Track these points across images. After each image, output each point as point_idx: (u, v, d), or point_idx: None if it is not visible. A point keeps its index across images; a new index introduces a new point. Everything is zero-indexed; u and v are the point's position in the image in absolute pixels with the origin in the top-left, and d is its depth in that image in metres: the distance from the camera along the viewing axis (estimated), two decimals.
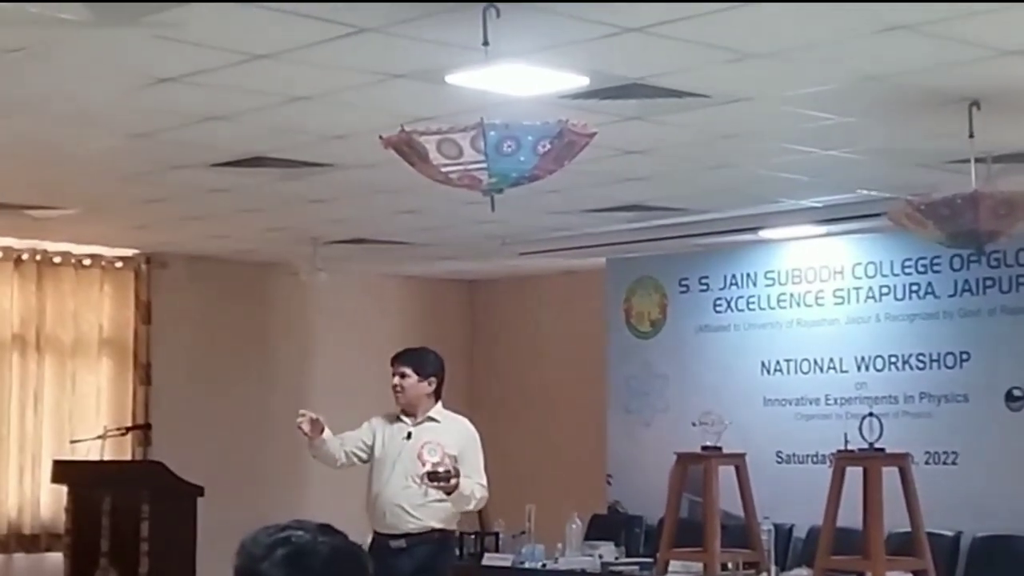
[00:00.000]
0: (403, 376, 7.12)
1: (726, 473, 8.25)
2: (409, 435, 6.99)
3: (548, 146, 4.43)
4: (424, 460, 6.77)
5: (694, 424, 8.54)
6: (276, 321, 11.46)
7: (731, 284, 10.02)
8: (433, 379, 7.14)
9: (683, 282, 10.30)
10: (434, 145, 4.50)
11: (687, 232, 9.32)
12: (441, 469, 6.65)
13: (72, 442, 9.86)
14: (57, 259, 10.29)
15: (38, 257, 10.21)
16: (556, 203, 8.32)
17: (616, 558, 8.84)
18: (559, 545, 8.88)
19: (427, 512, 6.86)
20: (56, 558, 9.56)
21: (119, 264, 10.55)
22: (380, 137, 4.77)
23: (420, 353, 7.30)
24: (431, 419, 7.05)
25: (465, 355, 12.41)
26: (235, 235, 9.84)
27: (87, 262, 10.41)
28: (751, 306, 9.89)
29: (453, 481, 6.64)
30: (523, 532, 9.04)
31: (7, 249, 10.07)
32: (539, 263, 11.01)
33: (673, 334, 10.33)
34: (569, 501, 9.59)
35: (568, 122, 4.53)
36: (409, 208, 8.62)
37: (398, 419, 7.11)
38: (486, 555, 9.02)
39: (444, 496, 6.75)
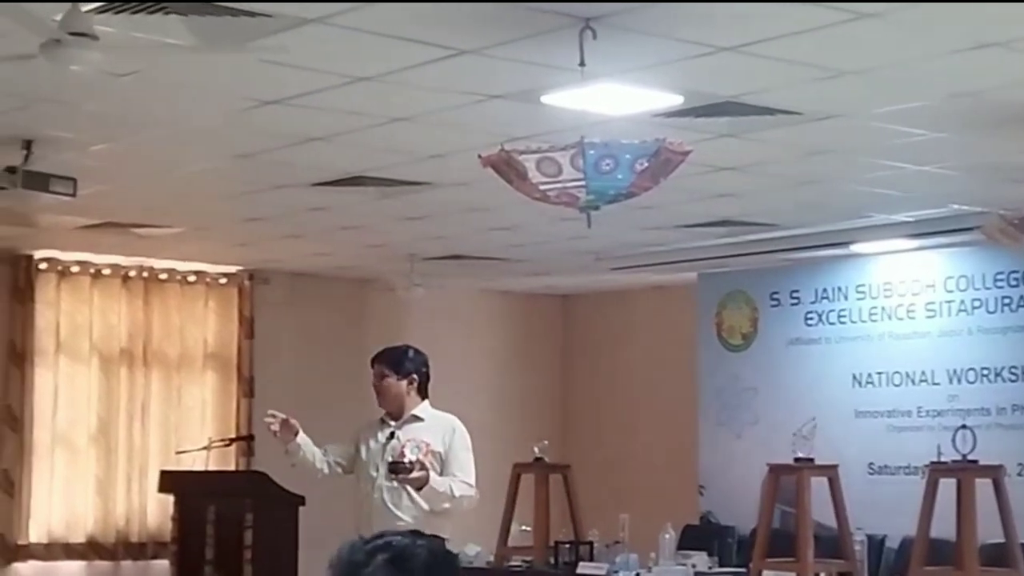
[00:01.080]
0: (381, 377, 6.90)
1: (818, 484, 8.30)
2: (392, 435, 6.74)
3: (645, 164, 4.53)
4: (406, 459, 6.52)
5: (795, 435, 8.56)
6: (373, 335, 11.61)
7: (822, 298, 10.07)
8: (413, 376, 6.85)
9: (774, 296, 10.37)
10: (533, 164, 4.62)
11: (778, 247, 9.39)
12: (405, 460, 6.41)
13: (178, 453, 10.02)
14: (163, 276, 10.53)
15: (145, 274, 10.45)
16: (649, 219, 8.41)
17: (709, 567, 8.88)
18: (652, 554, 8.92)
19: (416, 522, 6.40)
20: (163, 565, 9.73)
21: (223, 280, 10.79)
22: (479, 156, 4.89)
23: (396, 352, 7.01)
24: (415, 417, 6.79)
25: (558, 369, 12.55)
26: (335, 252, 10.03)
27: (192, 279, 10.66)
28: (842, 319, 9.94)
29: (417, 474, 6.39)
30: (617, 541, 9.09)
31: (115, 267, 10.32)
32: (631, 278, 11.10)
33: (764, 347, 10.40)
34: (662, 511, 9.65)
35: (665, 140, 4.63)
36: (504, 225, 8.75)
37: (382, 422, 6.89)
38: (581, 564, 9.07)
39: (458, 510, 6.57)
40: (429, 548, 2.57)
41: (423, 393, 6.90)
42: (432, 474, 6.52)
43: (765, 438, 9.88)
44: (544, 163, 4.55)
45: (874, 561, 8.66)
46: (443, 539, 2.71)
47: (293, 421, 6.92)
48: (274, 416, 6.96)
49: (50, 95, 5.69)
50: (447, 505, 6.58)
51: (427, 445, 6.63)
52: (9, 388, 9.97)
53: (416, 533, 2.61)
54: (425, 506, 6.57)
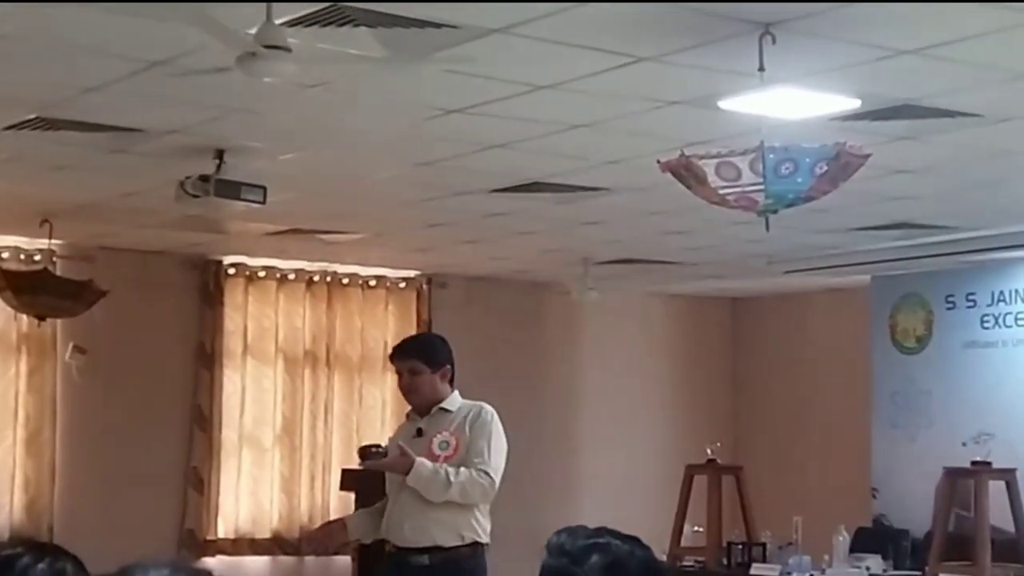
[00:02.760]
0: (413, 372, 6.04)
1: (995, 488, 8.24)
2: (420, 431, 6.00)
3: (825, 167, 4.56)
4: (436, 456, 5.85)
5: (964, 444, 8.49)
6: (549, 338, 11.80)
7: (999, 300, 9.96)
8: (447, 367, 6.12)
9: (949, 299, 10.28)
10: (713, 168, 4.67)
11: (954, 249, 9.30)
12: (374, 447, 5.85)
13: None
14: (345, 280, 10.80)
15: (328, 279, 10.73)
16: (823, 222, 8.40)
17: (884, 570, 8.84)
18: (826, 557, 8.92)
19: (453, 521, 5.86)
20: (344, 561, 9.92)
21: (402, 285, 11.03)
22: (658, 161, 4.95)
23: (428, 344, 6.36)
24: (444, 411, 6.03)
25: (729, 372, 12.58)
26: (511, 256, 10.17)
27: (373, 283, 10.91)
28: (1019, 322, 9.82)
29: (390, 460, 5.77)
30: (790, 543, 9.11)
31: (300, 271, 10.61)
32: (803, 280, 11.05)
33: (938, 350, 10.31)
34: (835, 514, 9.65)
35: (845, 144, 4.66)
36: (678, 229, 8.79)
37: (408, 418, 6.21)
38: (754, 565, 9.11)
39: (464, 502, 5.82)
40: (645, 559, 2.52)
41: (452, 383, 6.14)
42: (419, 459, 5.75)
43: (939, 441, 9.80)
44: (723, 167, 4.60)
45: None
46: (652, 552, 2.52)
47: (334, 522, 6.37)
48: (314, 532, 6.37)
49: (242, 106, 5.87)
50: (448, 494, 5.78)
51: (456, 439, 5.92)
52: (199, 389, 10.30)
53: (635, 540, 2.54)
54: (478, 515, 5.92)
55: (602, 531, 2.55)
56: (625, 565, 2.48)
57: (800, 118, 5.66)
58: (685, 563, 9.35)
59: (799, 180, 4.52)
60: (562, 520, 8.32)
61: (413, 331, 10.96)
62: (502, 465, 6.01)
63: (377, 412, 10.86)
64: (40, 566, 2.33)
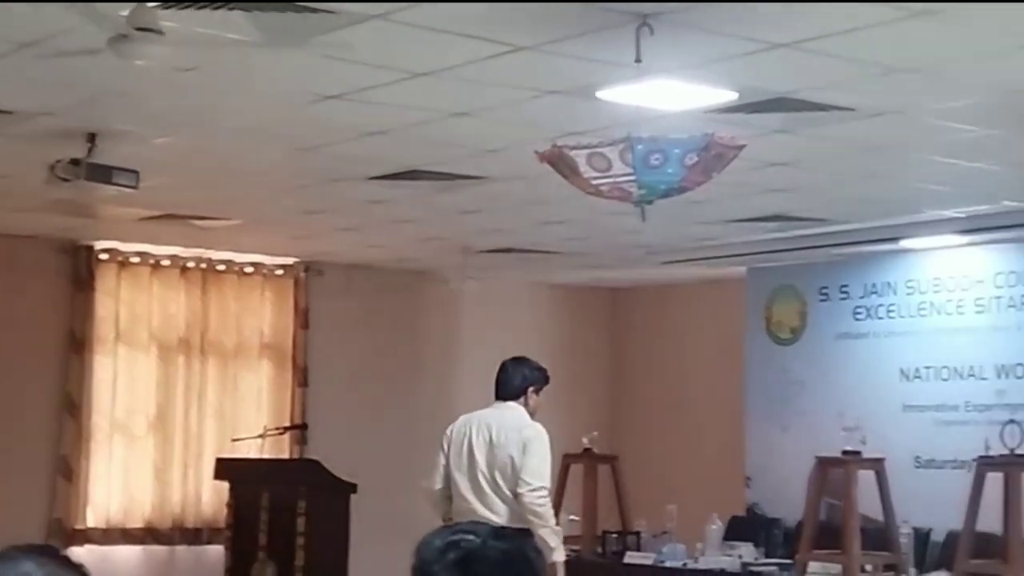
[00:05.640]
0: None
1: (865, 477, 8.36)
2: None
3: (695, 158, 4.56)
4: None
5: (844, 431, 8.59)
6: (427, 327, 11.78)
7: (871, 292, 10.12)
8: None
9: (823, 290, 10.42)
10: (584, 159, 4.66)
11: (828, 242, 9.43)
12: None
13: (233, 441, 10.20)
14: (221, 267, 10.70)
15: (203, 265, 10.62)
16: (701, 213, 8.46)
17: (756, 558, 8.94)
18: (699, 545, 8.99)
19: None
20: (217, 551, 9.88)
21: (279, 272, 10.94)
22: (535, 152, 4.95)
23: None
24: None
25: (607, 361, 12.64)
26: (390, 245, 10.12)
27: (249, 270, 10.82)
28: (891, 314, 9.99)
29: None
30: (664, 532, 9.17)
31: (175, 257, 10.48)
32: (681, 271, 11.15)
33: (812, 341, 10.45)
34: (709, 502, 9.73)
35: (715, 135, 4.67)
36: (558, 219, 8.81)
37: None
38: (628, 554, 9.15)
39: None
40: (502, 550, 2.52)
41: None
42: None
43: (812, 431, 9.94)
44: (594, 158, 4.60)
45: (920, 553, 8.70)
46: (521, 540, 2.57)
47: None
48: None
49: (115, 89, 5.78)
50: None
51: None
52: (69, 376, 10.13)
53: (497, 532, 2.56)
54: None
55: (465, 527, 2.56)
56: (478, 559, 2.49)
57: (678, 110, 5.70)
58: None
59: (670, 171, 4.53)
60: None
61: (290, 319, 10.93)
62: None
63: (252, 400, 10.78)
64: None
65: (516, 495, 6.79)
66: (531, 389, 7.12)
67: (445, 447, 7.09)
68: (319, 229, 9.48)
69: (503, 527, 2.62)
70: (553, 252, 10.37)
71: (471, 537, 2.52)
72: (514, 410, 7.06)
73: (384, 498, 10.22)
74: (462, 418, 7.15)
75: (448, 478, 7.06)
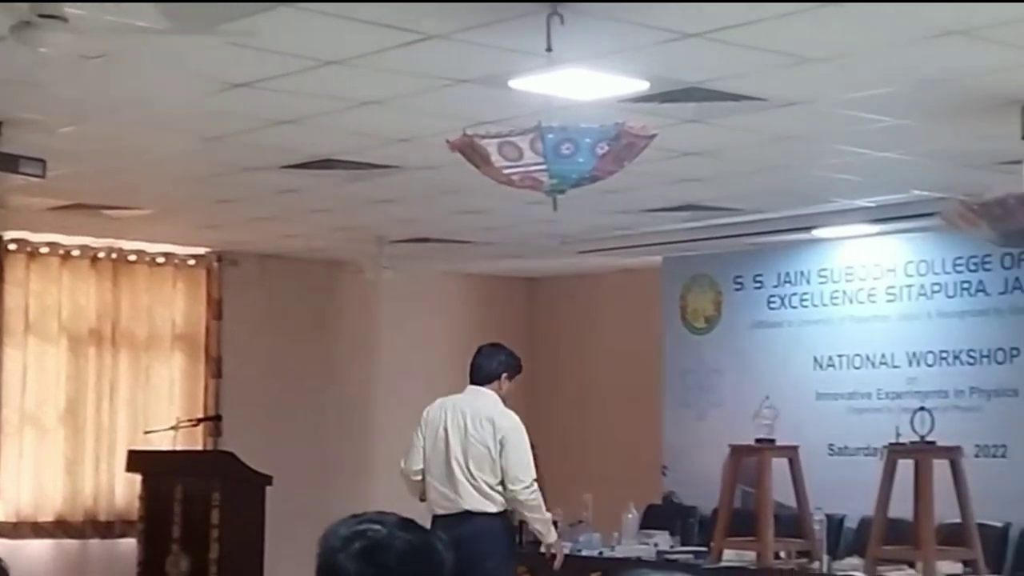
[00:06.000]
0: None
1: (779, 465, 8.41)
2: None
3: (606, 148, 4.56)
4: None
5: (756, 417, 8.66)
6: (342, 317, 11.72)
7: (785, 282, 10.19)
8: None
9: (738, 280, 10.49)
10: (495, 148, 4.65)
11: (742, 231, 9.49)
12: None
13: (146, 433, 10.08)
14: (132, 257, 10.57)
15: (114, 255, 10.49)
16: (615, 203, 8.48)
17: (671, 547, 8.97)
18: (615, 534, 9.02)
19: None
20: (130, 544, 9.79)
21: (191, 262, 10.83)
22: (447, 141, 4.93)
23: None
24: None
25: (524, 351, 12.47)
26: (303, 234, 10.06)
27: (161, 260, 10.70)
28: (804, 303, 10.06)
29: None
30: (581, 521, 9.18)
31: (85, 248, 10.34)
32: (597, 261, 11.19)
33: (727, 330, 10.52)
34: (625, 491, 9.76)
35: (625, 124, 4.67)
36: (473, 208, 8.81)
37: None
38: None
39: None
40: (408, 540, 2.52)
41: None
42: None
43: (728, 420, 10.00)
44: (505, 147, 4.59)
45: (833, 540, 8.77)
46: (427, 531, 2.58)
47: None
48: None
49: (20, 77, 5.70)
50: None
51: None
52: None
53: (404, 523, 2.56)
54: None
55: (372, 517, 2.55)
56: (384, 548, 2.49)
57: (590, 99, 5.69)
58: None
59: (580, 160, 4.53)
60: (355, 502, 8.32)
61: (202, 309, 10.85)
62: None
63: (165, 392, 10.68)
64: None
65: (508, 492, 7.11)
66: (504, 375, 7.37)
67: (422, 429, 7.30)
68: (232, 219, 9.40)
69: (410, 519, 2.60)
70: (468, 242, 10.36)
71: (377, 527, 2.52)
72: (487, 396, 7.30)
73: (300, 490, 10.17)
74: (437, 402, 7.39)
75: (425, 459, 7.28)
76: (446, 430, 7.21)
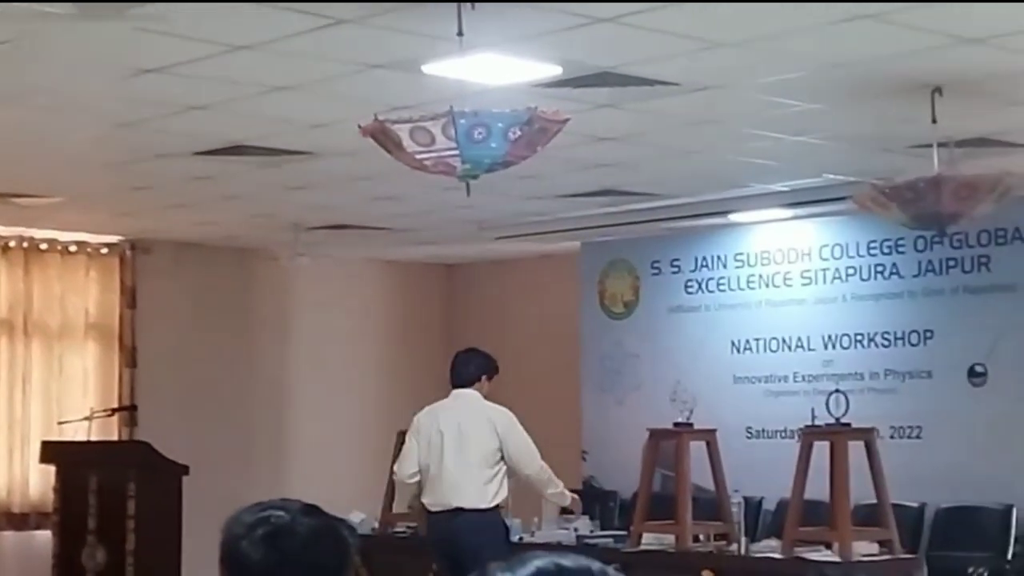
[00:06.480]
0: None
1: (697, 448, 8.43)
2: None
3: (519, 132, 4.54)
4: None
5: (673, 400, 8.70)
6: (258, 305, 11.63)
7: (702, 266, 10.25)
8: None
9: (655, 264, 10.52)
10: (407, 133, 4.62)
11: (659, 216, 9.52)
12: None
13: (60, 423, 9.98)
14: (43, 246, 10.44)
15: (25, 244, 10.36)
16: (531, 189, 8.49)
17: (591, 531, 8.96)
18: (536, 519, 9.02)
19: None
20: (45, 536, 9.68)
21: (104, 250, 10.71)
22: (359, 126, 4.90)
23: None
24: None
25: (443, 337, 12.59)
26: (218, 222, 9.98)
27: (73, 248, 10.57)
28: (721, 287, 10.12)
29: None
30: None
31: None
32: (515, 247, 11.19)
33: (645, 315, 10.55)
34: None
35: (537, 109, 4.65)
36: (388, 194, 8.77)
37: None
38: None
39: None
40: (311, 525, 2.52)
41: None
42: None
43: (647, 404, 10.04)
44: (417, 132, 4.57)
45: (751, 522, 8.82)
46: (331, 516, 2.57)
47: None
48: None
49: None
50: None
51: None
52: None
53: (307, 508, 2.56)
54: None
55: (275, 504, 2.56)
56: (287, 534, 2.49)
57: (502, 84, 5.68)
58: (397, 529, 9.31)
59: (493, 145, 4.51)
60: (272, 490, 8.20)
61: (116, 298, 10.73)
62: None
63: (78, 382, 10.57)
64: None
65: (524, 477, 7.73)
66: (484, 377, 7.79)
67: (415, 434, 7.69)
68: (145, 206, 9.30)
69: (314, 505, 2.58)
70: (385, 228, 10.32)
71: (280, 513, 2.52)
72: (474, 398, 7.72)
73: (217, 479, 10.08)
74: (427, 409, 7.74)
75: (420, 465, 7.65)
76: (440, 433, 7.58)
